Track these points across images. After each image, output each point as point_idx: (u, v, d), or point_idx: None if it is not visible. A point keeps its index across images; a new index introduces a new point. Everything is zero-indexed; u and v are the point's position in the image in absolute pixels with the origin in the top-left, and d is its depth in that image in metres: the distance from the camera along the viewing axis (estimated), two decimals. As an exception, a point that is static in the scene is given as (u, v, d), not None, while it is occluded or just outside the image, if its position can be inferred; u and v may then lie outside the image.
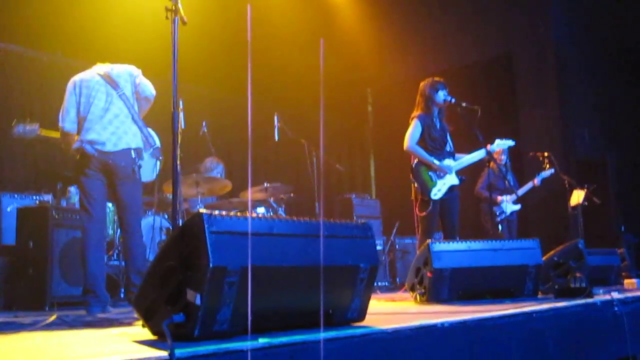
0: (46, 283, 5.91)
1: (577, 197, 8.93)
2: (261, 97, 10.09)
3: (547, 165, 8.77)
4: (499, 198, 8.54)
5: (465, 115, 6.06)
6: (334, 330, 2.60)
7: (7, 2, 8.04)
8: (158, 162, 5.55)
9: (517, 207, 8.72)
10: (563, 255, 5.67)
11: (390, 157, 12.03)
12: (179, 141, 4.24)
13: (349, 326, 2.89)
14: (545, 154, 8.83)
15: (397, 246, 9.65)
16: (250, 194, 7.94)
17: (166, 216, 7.36)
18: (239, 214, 2.58)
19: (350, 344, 2.51)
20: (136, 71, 5.36)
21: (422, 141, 6.14)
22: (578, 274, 4.72)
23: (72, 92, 5.21)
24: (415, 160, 6.14)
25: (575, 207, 8.96)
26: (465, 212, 6.30)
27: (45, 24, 8.35)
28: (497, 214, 8.52)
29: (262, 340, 2.25)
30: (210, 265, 2.34)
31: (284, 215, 7.71)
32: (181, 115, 5.79)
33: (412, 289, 4.96)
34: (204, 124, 7.96)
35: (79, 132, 5.12)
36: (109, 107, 5.13)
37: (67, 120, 5.17)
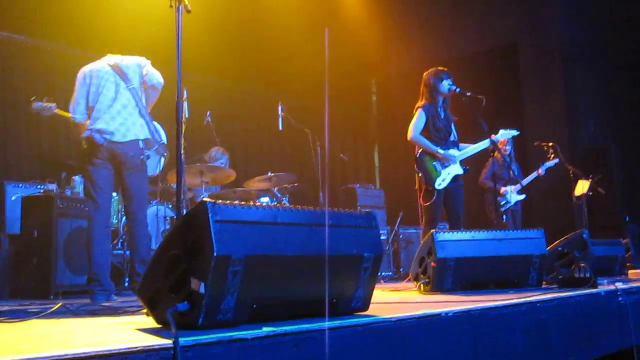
0: (51, 272, 5.94)
1: (582, 187, 8.91)
2: (265, 86, 10.09)
3: (552, 155, 8.75)
4: (503, 188, 8.53)
5: (470, 105, 6.04)
6: (338, 320, 2.60)
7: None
8: (162, 159, 5.57)
9: (522, 197, 8.71)
10: (567, 245, 5.66)
11: (395, 147, 12.02)
12: (183, 130, 4.24)
13: (352, 315, 2.89)
14: (550, 143, 8.81)
15: (401, 236, 9.65)
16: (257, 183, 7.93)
17: (170, 205, 7.37)
18: (242, 203, 2.58)
19: (354, 333, 2.51)
20: (144, 62, 5.38)
21: (426, 131, 6.12)
22: (582, 264, 4.71)
23: (82, 83, 5.28)
24: (420, 150, 6.13)
25: (579, 197, 8.94)
26: (469, 202, 6.29)
27: (48, 13, 8.35)
28: (502, 203, 8.51)
29: (266, 329, 2.25)
30: (215, 253, 2.33)
31: (288, 204, 7.71)
32: (185, 104, 5.79)
33: (416, 278, 4.96)
34: (208, 113, 7.96)
35: (88, 122, 5.15)
36: (117, 97, 5.17)
37: (78, 111, 5.25)
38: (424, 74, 6.29)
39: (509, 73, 11.25)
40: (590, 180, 8.89)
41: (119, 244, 6.91)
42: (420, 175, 6.09)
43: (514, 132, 6.75)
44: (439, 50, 11.97)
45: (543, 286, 5.02)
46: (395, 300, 4.18)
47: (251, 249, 2.46)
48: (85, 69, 5.33)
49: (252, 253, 2.45)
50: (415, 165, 6.15)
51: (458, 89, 6.06)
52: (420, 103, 6.21)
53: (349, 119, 13.14)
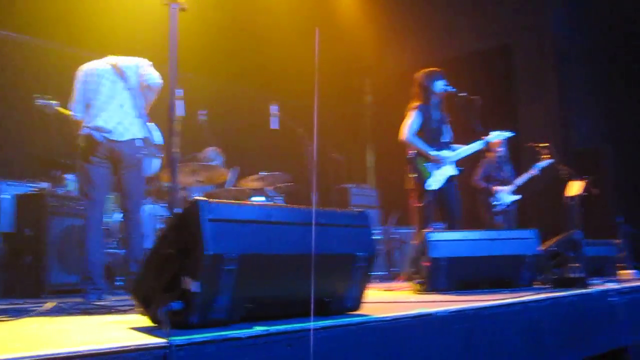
0: (43, 270, 5.91)
1: (575, 187, 8.92)
2: (259, 85, 10.08)
3: (546, 156, 8.75)
4: (497, 188, 8.54)
5: (464, 106, 6.05)
6: (332, 319, 2.60)
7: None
8: (155, 160, 5.56)
9: (516, 197, 8.71)
10: (560, 245, 5.67)
11: (389, 146, 11.99)
12: (179, 129, 4.23)
13: (346, 315, 2.90)
14: (544, 144, 8.82)
15: (394, 236, 9.65)
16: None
17: (164, 204, 7.35)
18: (236, 201, 2.58)
19: (348, 332, 2.51)
20: (144, 62, 5.37)
21: (420, 132, 6.13)
22: (575, 265, 4.73)
23: (79, 80, 5.31)
24: (412, 151, 6.13)
25: (573, 198, 8.95)
26: (462, 203, 6.29)
27: (43, 11, 8.32)
28: (495, 204, 8.52)
29: (259, 328, 2.25)
30: (208, 252, 2.34)
31: (281, 204, 7.70)
32: (182, 103, 5.78)
33: (410, 278, 4.97)
34: (202, 112, 7.94)
35: (85, 119, 5.15)
36: (115, 96, 5.18)
37: (76, 109, 5.26)
38: (416, 75, 6.29)
39: (503, 74, 11.25)
40: (584, 181, 8.91)
41: (113, 242, 6.88)
42: (412, 175, 6.10)
43: (507, 134, 6.76)
44: (433, 50, 11.98)
45: (536, 286, 5.04)
46: (389, 299, 4.18)
47: (245, 248, 2.46)
48: (85, 66, 5.35)
49: (245, 252, 2.45)
50: (407, 166, 6.15)
51: (453, 89, 6.07)
52: (414, 104, 6.20)
53: (343, 118, 13.14)
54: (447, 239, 4.83)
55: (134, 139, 5.15)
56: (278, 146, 11.33)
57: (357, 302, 3.01)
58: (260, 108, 8.65)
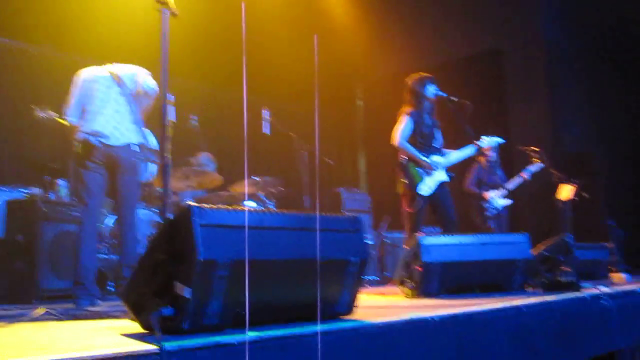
0: (35, 276, 5.89)
1: (566, 191, 8.95)
2: (251, 90, 10.07)
3: (536, 160, 8.78)
4: (488, 193, 8.56)
5: (455, 111, 6.05)
6: (324, 324, 2.60)
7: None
8: (151, 165, 5.58)
9: (507, 202, 8.73)
10: (552, 249, 5.68)
11: (380, 151, 12.01)
12: (170, 134, 4.23)
13: (338, 320, 2.90)
14: (534, 148, 8.84)
15: (386, 240, 9.66)
16: (246, 186, 7.91)
17: (156, 210, 7.33)
18: (228, 206, 2.57)
19: (341, 338, 2.51)
20: (142, 71, 5.39)
21: (411, 137, 6.13)
22: (567, 268, 4.75)
23: (76, 86, 5.33)
24: (403, 156, 6.14)
25: (564, 202, 8.98)
26: (454, 208, 6.30)
27: (34, 17, 8.29)
28: (487, 209, 8.53)
29: (252, 334, 2.25)
30: (200, 258, 2.33)
31: (273, 209, 7.69)
32: (173, 108, 5.78)
33: (402, 283, 4.97)
34: (194, 117, 7.93)
35: (82, 124, 5.16)
36: (110, 101, 5.22)
37: (72, 114, 5.28)
38: (407, 80, 6.30)
39: (494, 79, 11.28)
40: (575, 184, 8.94)
41: (105, 248, 6.86)
42: (404, 181, 6.10)
43: (498, 140, 6.78)
44: (424, 56, 11.99)
45: (528, 290, 5.05)
46: (381, 304, 4.18)
47: (237, 253, 2.46)
48: (83, 72, 5.38)
49: (237, 257, 2.45)
50: (399, 171, 6.16)
51: (444, 94, 6.08)
52: (406, 109, 6.21)
53: (335, 123, 13.15)
54: (439, 243, 4.84)
55: (129, 144, 5.17)
56: (270, 151, 11.32)
57: (349, 307, 3.01)
58: (252, 113, 8.65)
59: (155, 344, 2.03)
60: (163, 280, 2.46)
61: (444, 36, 11.81)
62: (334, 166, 11.92)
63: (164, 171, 3.96)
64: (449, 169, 6.20)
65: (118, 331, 2.67)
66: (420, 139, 6.12)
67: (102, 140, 5.06)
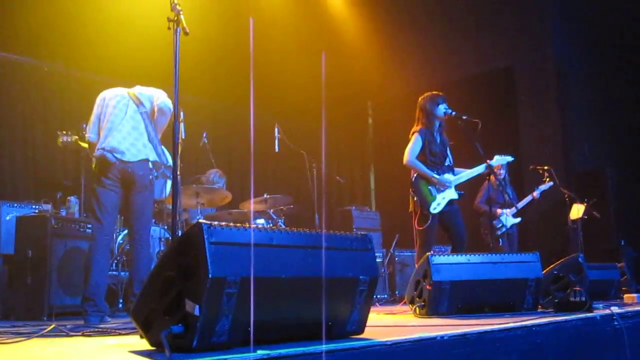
0: (44, 292, 5.90)
1: (577, 210, 8.92)
2: (262, 108, 10.11)
3: (547, 179, 8.77)
4: (499, 211, 8.54)
5: (465, 129, 6.05)
6: (333, 343, 2.59)
7: (9, 12, 8.07)
8: (168, 182, 5.65)
9: (518, 220, 8.71)
10: (563, 269, 5.65)
11: (391, 169, 12.01)
12: (180, 151, 4.25)
13: (348, 338, 2.88)
14: (545, 167, 8.83)
15: (396, 259, 9.63)
16: (252, 205, 7.92)
17: (166, 226, 7.35)
18: (238, 224, 2.57)
19: (350, 357, 2.50)
20: (159, 92, 5.48)
21: (422, 155, 6.13)
22: (578, 288, 4.71)
23: (98, 104, 5.46)
24: (415, 174, 6.13)
25: (575, 221, 8.95)
26: (464, 226, 6.28)
27: (46, 34, 8.38)
28: (497, 227, 8.51)
29: (261, 352, 2.24)
30: (210, 275, 2.33)
31: (283, 226, 7.69)
32: (182, 125, 5.82)
33: (412, 301, 4.94)
34: (204, 134, 7.98)
35: (99, 140, 5.27)
36: (128, 119, 5.31)
37: (92, 131, 5.39)
38: (420, 98, 6.31)
39: (504, 96, 11.28)
40: (585, 204, 8.91)
41: (113, 264, 6.87)
42: (415, 199, 6.10)
43: (509, 158, 6.78)
44: (434, 73, 12.02)
45: (539, 310, 5.01)
46: (390, 323, 4.17)
47: (246, 271, 2.45)
48: (104, 91, 5.51)
49: (247, 275, 2.45)
50: (410, 189, 6.15)
51: (454, 113, 6.08)
52: (416, 127, 6.22)
53: (346, 141, 13.17)
54: (449, 262, 4.81)
55: (146, 160, 5.23)
56: (280, 168, 11.35)
57: (359, 326, 3.00)
58: (263, 130, 8.68)
59: (164, 362, 2.03)
60: (172, 297, 2.46)
61: (455, 53, 11.84)
62: (344, 184, 11.96)
63: (174, 188, 3.98)
64: (460, 187, 6.19)
65: (127, 348, 2.67)
66: (431, 157, 6.12)
67: (118, 156, 5.13)
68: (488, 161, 6.24)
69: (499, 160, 6.68)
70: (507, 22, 11.31)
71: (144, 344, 2.61)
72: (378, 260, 9.12)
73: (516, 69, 11.29)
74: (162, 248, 7.15)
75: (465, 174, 6.28)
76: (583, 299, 4.52)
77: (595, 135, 11.13)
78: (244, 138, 10.87)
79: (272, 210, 8.04)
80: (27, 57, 8.66)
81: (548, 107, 10.81)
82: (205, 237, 2.38)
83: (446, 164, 6.22)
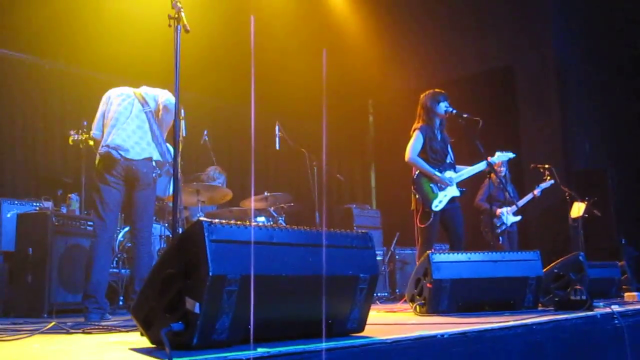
0: (45, 290, 5.90)
1: (578, 209, 8.92)
2: (262, 106, 10.11)
3: (547, 177, 8.77)
4: (499, 210, 8.53)
5: (466, 127, 6.05)
6: (334, 341, 2.59)
7: (10, 9, 8.07)
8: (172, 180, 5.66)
9: (518, 218, 8.71)
10: (563, 267, 5.65)
11: (391, 167, 12.02)
12: (180, 149, 4.25)
13: (348, 336, 2.88)
14: (546, 165, 8.83)
15: (397, 257, 9.64)
16: (253, 202, 7.92)
17: (166, 224, 7.35)
18: (238, 222, 2.57)
19: (350, 354, 2.50)
20: (164, 92, 5.51)
21: (424, 153, 6.12)
22: (578, 287, 4.71)
23: (103, 102, 5.48)
24: (417, 172, 6.13)
25: (575, 220, 8.95)
26: (465, 224, 6.28)
27: (47, 32, 8.37)
28: (498, 225, 8.51)
29: (261, 350, 2.24)
30: (210, 273, 2.33)
31: (284, 224, 7.70)
32: (183, 123, 5.83)
33: (412, 300, 4.95)
34: (205, 132, 7.98)
35: (102, 138, 5.30)
36: (133, 118, 5.33)
37: (96, 128, 5.42)
38: (421, 95, 6.31)
39: (505, 95, 11.29)
40: (586, 202, 8.91)
41: (114, 262, 6.88)
42: (417, 196, 6.09)
43: (511, 155, 6.78)
44: (435, 72, 12.02)
45: (539, 308, 5.01)
46: (390, 321, 4.17)
47: (247, 268, 2.45)
48: (111, 90, 5.53)
49: (247, 273, 2.45)
50: (412, 187, 6.15)
51: (455, 111, 6.08)
52: (417, 125, 6.22)
53: (346, 139, 13.16)
54: (450, 260, 4.81)
55: (149, 159, 5.26)
56: (281, 166, 11.35)
57: (359, 324, 3.00)
58: (263, 128, 8.68)
59: (164, 359, 2.02)
60: (173, 295, 2.46)
61: (456, 52, 11.84)
62: (345, 182, 11.96)
63: (174, 186, 3.98)
64: (461, 185, 6.19)
65: (127, 346, 2.67)
66: (433, 154, 6.11)
67: (122, 153, 5.14)
68: (489, 158, 6.24)
69: (501, 157, 6.69)
70: (508, 21, 11.31)
71: (145, 342, 2.61)
72: (378, 258, 9.12)
73: (517, 68, 11.30)
74: (162, 246, 7.16)
75: (467, 171, 6.27)
76: (583, 297, 4.52)
77: (595, 133, 11.13)
78: (244, 136, 10.87)
79: (272, 208, 8.04)
80: (28, 54, 8.66)
81: (548, 105, 10.81)
82: (206, 234, 2.38)
83: (447, 162, 6.22)
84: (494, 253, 5.03)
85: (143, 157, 5.22)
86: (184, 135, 5.68)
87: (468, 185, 6.37)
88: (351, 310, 2.94)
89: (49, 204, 6.77)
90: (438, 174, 6.05)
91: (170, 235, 6.55)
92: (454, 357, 2.94)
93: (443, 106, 6.13)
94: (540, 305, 5.12)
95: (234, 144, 10.81)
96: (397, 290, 9.39)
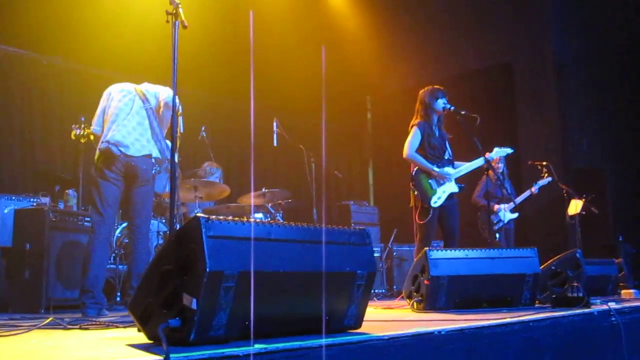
0: (42, 285, 5.90)
1: (575, 206, 8.93)
2: (260, 102, 10.11)
3: (545, 174, 8.77)
4: (496, 206, 8.54)
5: (464, 123, 6.05)
6: (331, 337, 2.59)
7: (9, 5, 8.05)
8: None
9: (515, 215, 8.71)
10: (561, 264, 5.65)
11: (389, 164, 12.05)
12: (178, 145, 4.25)
13: (345, 333, 2.88)
14: (544, 163, 8.83)
15: (394, 253, 9.64)
16: (252, 199, 7.92)
17: (164, 220, 7.35)
18: (236, 218, 2.57)
19: (347, 351, 2.50)
20: (165, 89, 5.50)
21: (422, 149, 6.12)
22: (575, 284, 4.72)
23: (104, 98, 5.48)
24: (415, 168, 6.12)
25: (573, 217, 8.95)
26: (462, 220, 6.28)
27: (45, 27, 8.36)
28: (495, 222, 8.51)
29: (258, 346, 2.24)
30: (207, 269, 2.33)
31: (281, 221, 7.69)
32: (180, 119, 5.82)
33: (409, 296, 4.95)
34: (202, 128, 7.97)
35: (103, 133, 5.29)
36: (134, 114, 5.33)
37: (97, 124, 5.41)
38: (420, 92, 6.30)
39: (504, 92, 11.30)
40: (583, 199, 8.91)
41: (112, 258, 6.88)
42: (415, 193, 6.08)
43: (509, 150, 6.78)
44: (434, 69, 12.03)
45: (536, 305, 5.02)
46: (388, 318, 4.17)
47: (244, 265, 2.45)
48: (112, 85, 5.52)
49: (244, 269, 2.44)
50: (411, 183, 6.14)
51: (453, 107, 6.07)
52: (415, 121, 6.21)
53: (344, 135, 13.17)
54: (447, 257, 4.81)
55: (149, 156, 5.27)
56: (279, 163, 11.35)
57: (357, 321, 3.00)
58: (261, 125, 8.68)
59: (161, 355, 2.03)
60: (170, 291, 2.45)
61: (454, 49, 11.84)
62: (343, 179, 11.97)
63: (172, 182, 3.98)
64: (459, 181, 6.19)
65: (124, 341, 2.67)
66: (431, 150, 6.11)
67: (123, 149, 5.14)
68: (487, 154, 6.25)
69: (499, 152, 6.69)
70: (506, 19, 11.32)
71: (142, 337, 2.61)
72: (376, 254, 9.13)
73: (515, 65, 11.31)
74: (160, 242, 7.16)
75: (465, 167, 6.27)
76: (580, 294, 4.53)
77: (593, 131, 11.14)
78: (242, 132, 10.86)
79: (270, 205, 8.03)
80: (26, 50, 8.64)
81: (547, 103, 10.82)
82: (203, 230, 2.38)
83: (446, 158, 6.21)
84: (491, 250, 5.04)
85: (143, 154, 5.22)
86: (181, 131, 5.68)
87: (465, 182, 6.37)
88: (348, 306, 2.94)
89: (46, 200, 6.76)
90: (436, 169, 6.05)
91: (168, 231, 6.54)
92: (450, 354, 2.95)
93: (441, 103, 6.12)
94: (537, 302, 5.13)
95: (231, 140, 10.80)
96: (394, 287, 9.40)
